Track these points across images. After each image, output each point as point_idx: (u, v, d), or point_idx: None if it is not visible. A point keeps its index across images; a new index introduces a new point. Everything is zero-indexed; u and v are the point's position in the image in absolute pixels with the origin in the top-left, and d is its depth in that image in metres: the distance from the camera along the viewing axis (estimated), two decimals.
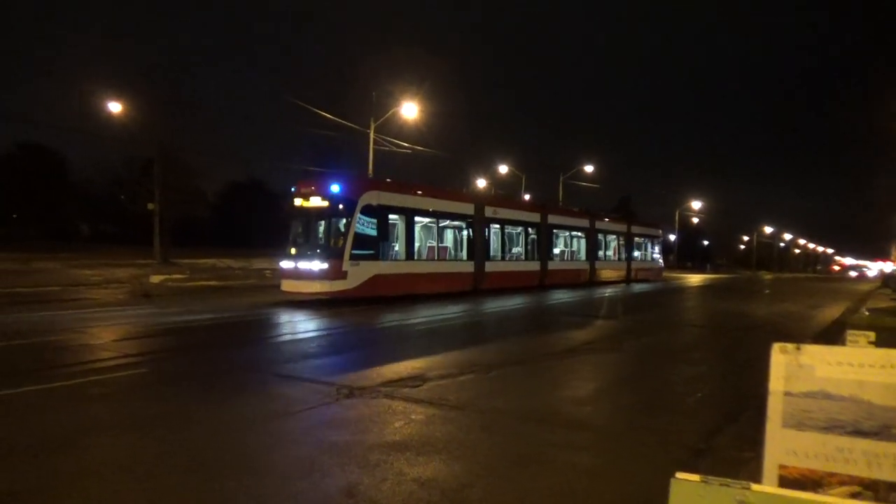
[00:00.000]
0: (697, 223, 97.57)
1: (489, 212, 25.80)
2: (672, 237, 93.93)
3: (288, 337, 12.56)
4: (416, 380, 7.98)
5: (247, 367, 9.06)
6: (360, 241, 18.84)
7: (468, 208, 24.77)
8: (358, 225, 18.73)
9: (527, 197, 64.04)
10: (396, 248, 21.06)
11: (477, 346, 11.88)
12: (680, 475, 1.63)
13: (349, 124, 32.38)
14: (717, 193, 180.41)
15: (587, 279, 33.93)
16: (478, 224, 24.91)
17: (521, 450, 5.44)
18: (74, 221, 71.83)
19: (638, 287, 35.31)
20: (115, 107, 33.98)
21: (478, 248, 24.81)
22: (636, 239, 40.72)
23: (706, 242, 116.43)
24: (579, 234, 33.85)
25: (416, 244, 22.01)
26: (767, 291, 36.67)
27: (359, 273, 18.65)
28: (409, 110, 33.12)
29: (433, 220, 22.85)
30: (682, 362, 10.53)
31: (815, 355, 2.09)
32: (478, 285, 24.49)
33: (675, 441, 5.92)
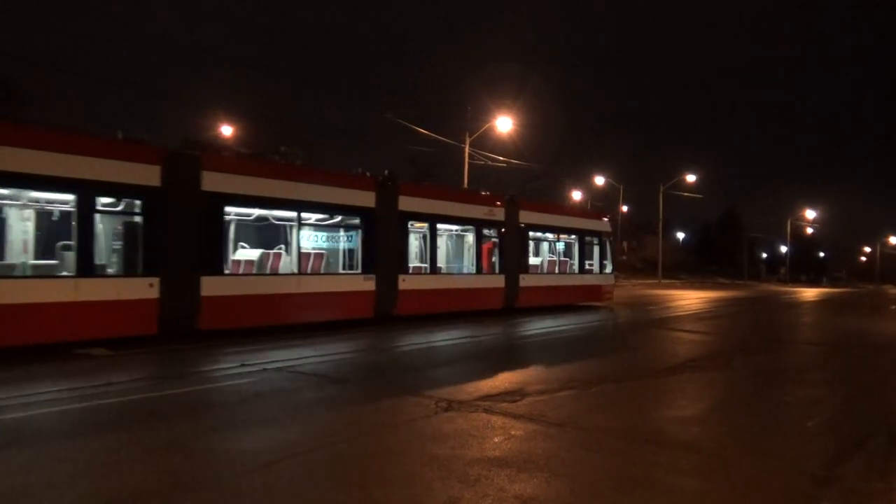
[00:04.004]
0: (812, 234, 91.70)
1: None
2: (783, 248, 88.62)
3: None
4: (515, 395, 7.92)
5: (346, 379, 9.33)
6: None
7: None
8: None
9: (624, 208, 62.23)
10: None
11: (577, 361, 11.63)
12: None
13: (444, 139, 32.89)
14: (834, 202, 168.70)
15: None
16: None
17: (625, 471, 5.27)
18: None
19: (735, 303, 33.49)
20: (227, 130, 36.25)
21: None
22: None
23: (822, 254, 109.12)
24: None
25: None
26: (894, 307, 33.81)
27: None
28: (504, 124, 33.27)
29: None
30: (798, 383, 9.86)
31: None
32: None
33: (793, 468, 5.55)
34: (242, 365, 9.83)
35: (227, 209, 13.07)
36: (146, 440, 5.88)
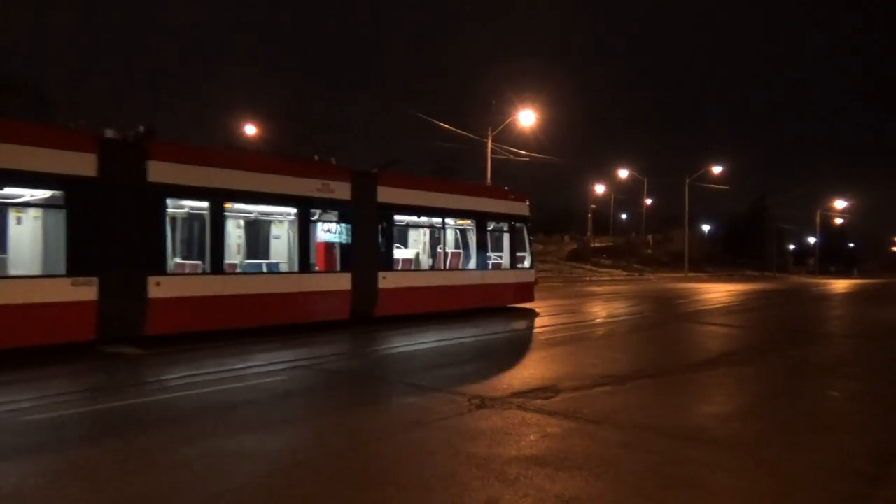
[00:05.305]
0: (842, 224, 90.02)
1: None
2: (811, 240, 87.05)
3: None
4: (549, 391, 7.79)
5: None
6: None
7: None
8: None
9: (648, 201, 61.27)
10: None
11: (610, 357, 11.45)
12: None
13: (467, 134, 32.74)
14: (864, 192, 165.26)
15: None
16: None
17: (666, 469, 5.13)
18: None
19: (765, 296, 32.88)
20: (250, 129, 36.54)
21: None
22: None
23: (851, 245, 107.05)
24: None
25: None
26: None
27: None
28: (527, 118, 33.06)
29: None
30: (840, 377, 9.60)
31: None
32: None
33: (843, 466, 5.35)
34: None
35: None
36: None
